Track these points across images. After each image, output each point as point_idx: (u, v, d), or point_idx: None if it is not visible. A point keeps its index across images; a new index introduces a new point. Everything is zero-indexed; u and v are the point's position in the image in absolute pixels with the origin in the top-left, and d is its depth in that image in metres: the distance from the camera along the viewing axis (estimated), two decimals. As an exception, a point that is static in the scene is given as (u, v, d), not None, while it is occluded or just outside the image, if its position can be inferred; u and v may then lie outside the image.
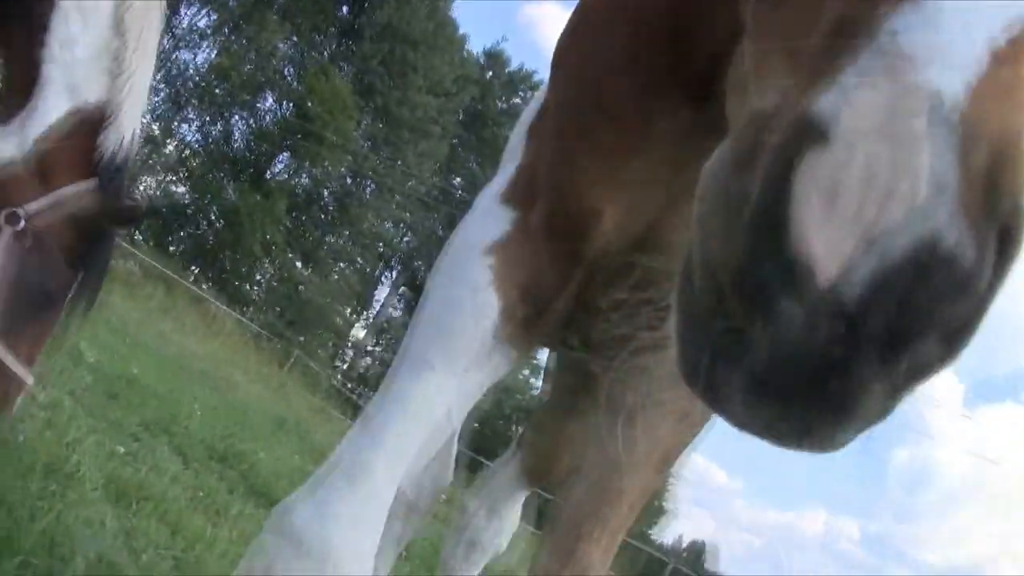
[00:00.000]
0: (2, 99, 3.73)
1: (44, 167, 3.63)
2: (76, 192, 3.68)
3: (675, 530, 68.78)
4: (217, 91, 56.83)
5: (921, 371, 0.98)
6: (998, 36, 1.01)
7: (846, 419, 0.98)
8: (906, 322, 0.92)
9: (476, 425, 37.11)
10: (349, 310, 66.36)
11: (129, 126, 3.74)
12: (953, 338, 0.96)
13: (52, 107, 3.57)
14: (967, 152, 0.94)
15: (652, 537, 54.34)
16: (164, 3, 3.93)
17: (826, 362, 0.92)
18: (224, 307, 44.42)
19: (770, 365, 0.96)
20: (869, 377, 0.94)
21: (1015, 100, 0.99)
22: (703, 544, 76.57)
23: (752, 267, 0.95)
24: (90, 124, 3.72)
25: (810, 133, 0.93)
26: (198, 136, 58.91)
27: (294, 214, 58.01)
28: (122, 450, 6.84)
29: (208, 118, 58.44)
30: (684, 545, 73.62)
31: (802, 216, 0.89)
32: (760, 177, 0.97)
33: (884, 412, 1.01)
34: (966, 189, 0.95)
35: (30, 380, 3.63)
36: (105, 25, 3.60)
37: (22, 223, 3.48)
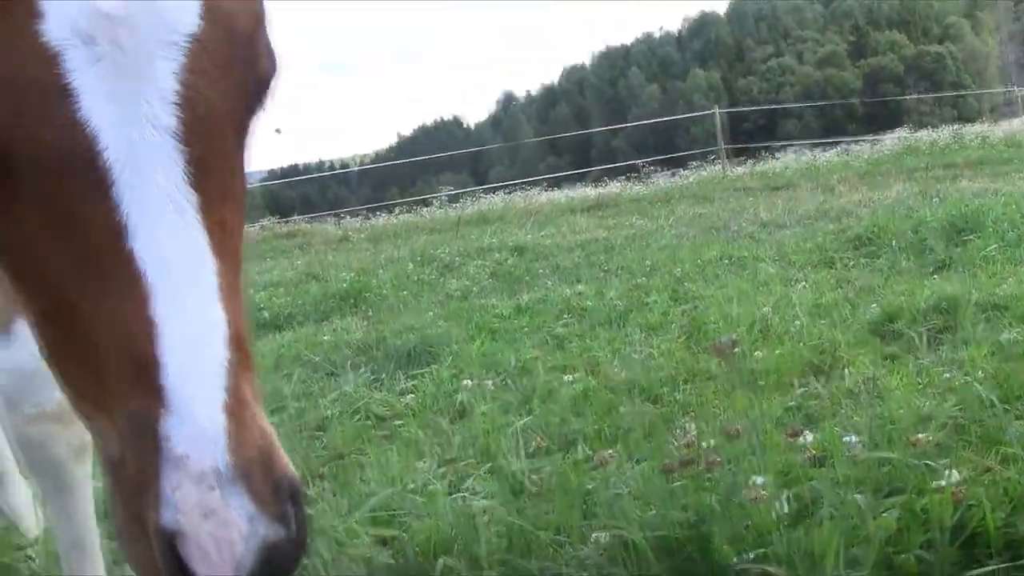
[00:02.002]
0: None
1: None
2: None
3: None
4: None
5: None
6: (222, 395, 1.35)
7: None
8: None
9: None
10: None
11: None
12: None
13: None
14: (245, 475, 1.31)
15: None
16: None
17: None
18: None
19: None
20: None
21: (249, 422, 1.37)
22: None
23: None
24: None
25: (173, 537, 1.29)
26: None
27: None
28: None
29: None
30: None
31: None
32: (158, 553, 1.31)
33: None
34: (255, 494, 1.32)
35: None
36: None
37: None
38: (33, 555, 4.00)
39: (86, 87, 1.40)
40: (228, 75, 1.52)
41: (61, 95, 1.39)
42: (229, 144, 1.54)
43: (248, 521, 1.30)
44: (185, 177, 1.43)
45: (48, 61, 1.39)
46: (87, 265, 1.40)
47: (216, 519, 1.29)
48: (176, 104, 1.44)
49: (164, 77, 1.44)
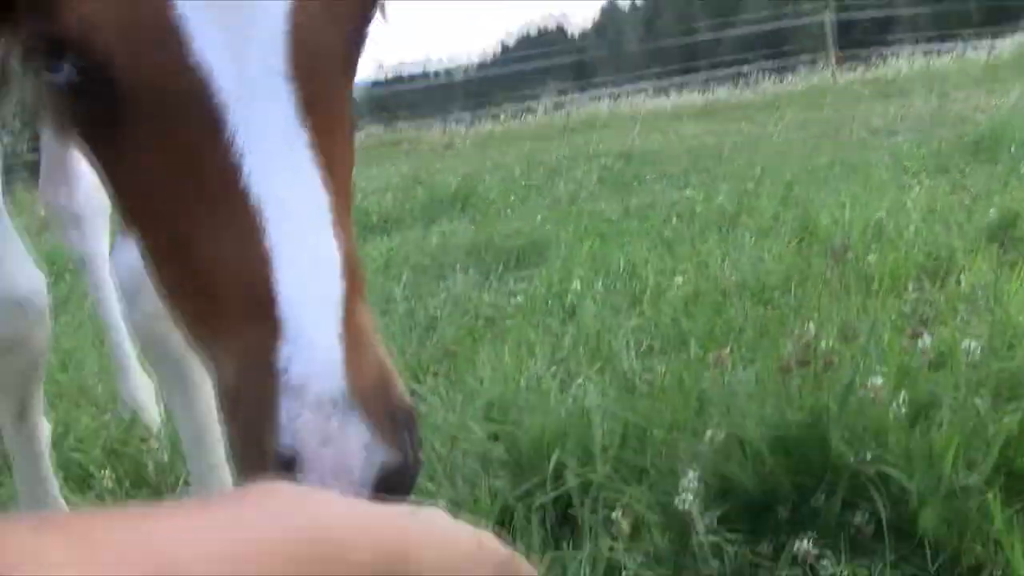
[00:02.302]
0: None
1: None
2: None
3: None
4: None
5: None
6: (338, 325, 1.35)
7: None
8: None
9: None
10: None
11: None
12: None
13: None
14: (362, 402, 1.31)
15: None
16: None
17: None
18: None
19: None
20: None
21: (365, 350, 1.37)
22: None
23: None
24: None
25: (292, 465, 1.29)
26: None
27: None
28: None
29: None
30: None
31: None
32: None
33: None
34: (373, 421, 1.31)
35: None
36: None
37: None
38: (156, 446, 4.10)
39: (198, 28, 1.41)
40: (335, 11, 1.54)
41: (175, 36, 1.41)
42: (338, 80, 1.56)
43: (365, 447, 1.31)
44: (297, 114, 1.44)
45: (161, 3, 1.41)
46: (201, 201, 1.42)
47: (334, 446, 1.30)
48: (287, 42, 1.45)
49: (274, 16, 1.46)
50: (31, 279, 3.05)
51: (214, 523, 0.91)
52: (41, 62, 1.49)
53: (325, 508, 1.03)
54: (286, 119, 1.44)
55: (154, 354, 3.04)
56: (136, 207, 1.55)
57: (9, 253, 2.99)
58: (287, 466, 1.29)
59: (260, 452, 1.36)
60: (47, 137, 4.70)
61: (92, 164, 1.67)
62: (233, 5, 1.43)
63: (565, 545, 2.83)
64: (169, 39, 1.41)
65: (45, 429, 3.37)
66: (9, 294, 2.96)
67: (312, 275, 1.39)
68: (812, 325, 4.02)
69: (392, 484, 1.32)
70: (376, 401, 1.35)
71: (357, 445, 1.30)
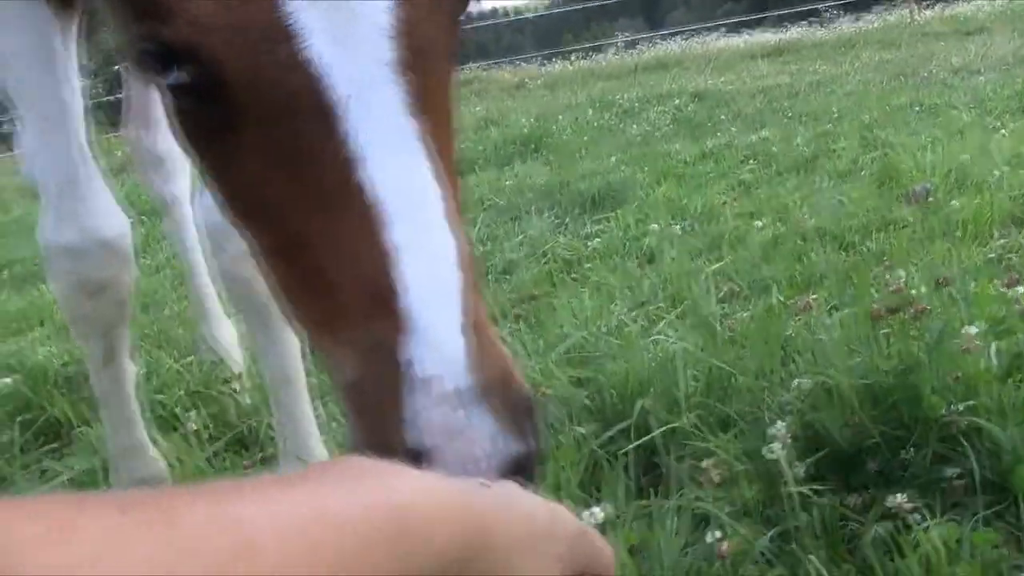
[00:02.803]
0: None
1: None
2: None
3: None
4: None
5: None
6: (461, 318, 1.35)
7: None
8: None
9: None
10: None
11: None
12: None
13: None
14: (487, 395, 1.32)
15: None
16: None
17: None
18: None
19: None
20: None
21: (488, 343, 1.38)
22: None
23: None
24: None
25: (418, 459, 1.28)
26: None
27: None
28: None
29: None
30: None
31: None
32: None
33: None
34: (498, 413, 1.32)
35: None
36: None
37: None
38: (238, 389, 4.13)
39: (308, 25, 1.43)
40: (437, 4, 1.55)
41: (285, 35, 1.42)
42: (443, 71, 1.57)
43: (492, 439, 1.32)
44: (407, 107, 1.45)
45: (271, 4, 1.43)
46: (317, 198, 1.44)
47: (462, 438, 1.31)
48: (394, 37, 1.47)
49: (380, 12, 1.47)
50: (117, 222, 3.07)
51: (294, 502, 0.92)
52: (153, 66, 1.50)
53: (404, 485, 1.04)
54: (398, 111, 1.45)
55: (239, 298, 3.06)
56: (250, 209, 1.56)
57: (96, 197, 3.01)
58: (414, 461, 1.28)
59: (385, 447, 1.35)
60: (131, 79, 4.72)
61: (202, 170, 1.69)
62: (339, 3, 1.45)
63: (651, 494, 2.81)
64: (280, 38, 1.42)
65: (132, 371, 3.40)
66: (96, 237, 2.99)
67: (434, 268, 1.39)
68: (902, 272, 3.96)
69: (520, 472, 1.32)
70: (499, 393, 1.35)
71: (485, 437, 1.31)
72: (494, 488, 1.19)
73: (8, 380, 4.53)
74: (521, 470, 1.33)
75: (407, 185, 1.42)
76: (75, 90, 3.04)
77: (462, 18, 1.64)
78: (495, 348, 1.41)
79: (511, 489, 1.23)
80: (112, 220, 3.05)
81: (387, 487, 1.02)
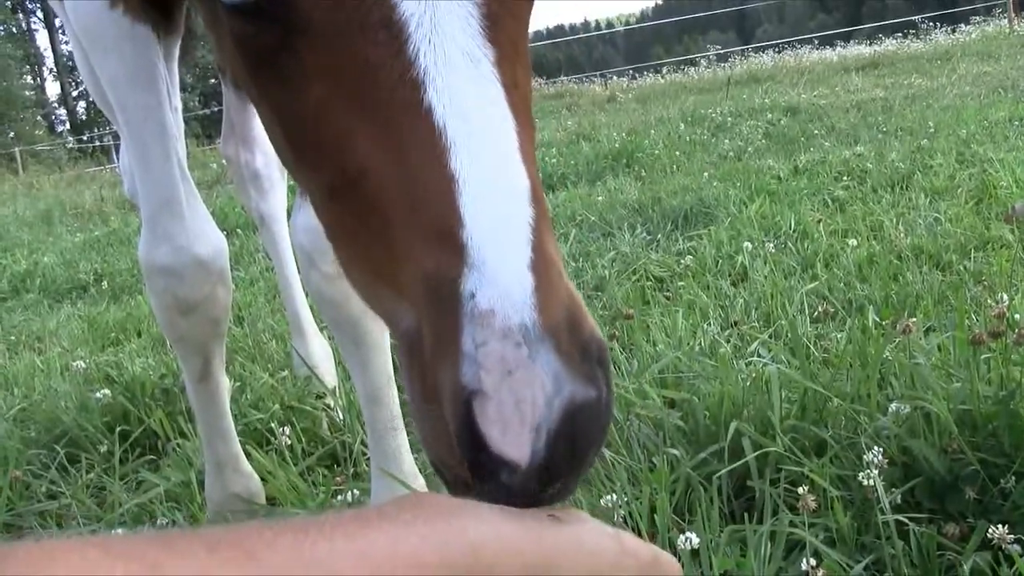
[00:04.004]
0: None
1: None
2: None
3: None
4: None
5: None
6: (528, 252, 1.29)
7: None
8: (575, 455, 1.27)
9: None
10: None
11: None
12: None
13: None
14: (553, 333, 1.26)
15: None
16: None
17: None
18: None
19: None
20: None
21: (556, 281, 1.31)
22: None
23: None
24: None
25: (471, 396, 1.24)
26: None
27: None
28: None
29: None
30: None
31: (493, 440, 1.22)
32: (452, 417, 1.27)
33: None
34: (563, 354, 1.25)
35: None
36: None
37: None
38: (331, 404, 4.16)
39: None
40: None
41: None
42: (520, 1, 1.52)
43: (554, 379, 1.24)
44: (481, 31, 1.41)
45: None
46: (381, 123, 1.39)
47: (520, 376, 1.24)
48: None
49: None
50: (213, 240, 3.11)
51: (371, 542, 0.96)
52: None
53: (476, 524, 1.06)
54: (470, 36, 1.41)
55: (332, 314, 3.07)
56: (309, 141, 1.52)
57: (192, 214, 3.06)
58: (466, 402, 1.24)
59: (438, 399, 1.31)
60: (229, 94, 4.78)
61: (259, 106, 1.66)
62: None
63: (744, 519, 2.78)
64: None
65: (227, 386, 3.44)
66: (191, 256, 3.03)
67: (501, 199, 1.34)
68: (1004, 294, 3.89)
69: (584, 421, 1.25)
70: (567, 333, 1.29)
71: (546, 376, 1.24)
72: (563, 523, 1.18)
73: (107, 391, 4.60)
74: (588, 418, 1.26)
75: (475, 111, 1.37)
76: (176, 111, 3.09)
77: None
78: (565, 288, 1.35)
79: (580, 523, 1.21)
80: (208, 239, 3.09)
81: (460, 527, 1.05)
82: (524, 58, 1.52)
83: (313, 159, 1.53)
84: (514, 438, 1.23)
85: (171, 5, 2.97)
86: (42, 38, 73.76)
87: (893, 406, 3.01)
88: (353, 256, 1.54)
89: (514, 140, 1.39)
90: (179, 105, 3.17)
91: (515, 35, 1.48)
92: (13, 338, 7.46)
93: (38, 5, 67.23)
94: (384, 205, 1.40)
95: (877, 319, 4.17)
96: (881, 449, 2.77)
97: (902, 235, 5.84)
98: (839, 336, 4.02)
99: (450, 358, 1.28)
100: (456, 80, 1.38)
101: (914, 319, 3.69)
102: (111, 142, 42.31)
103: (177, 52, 3.18)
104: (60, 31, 63.19)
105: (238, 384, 4.58)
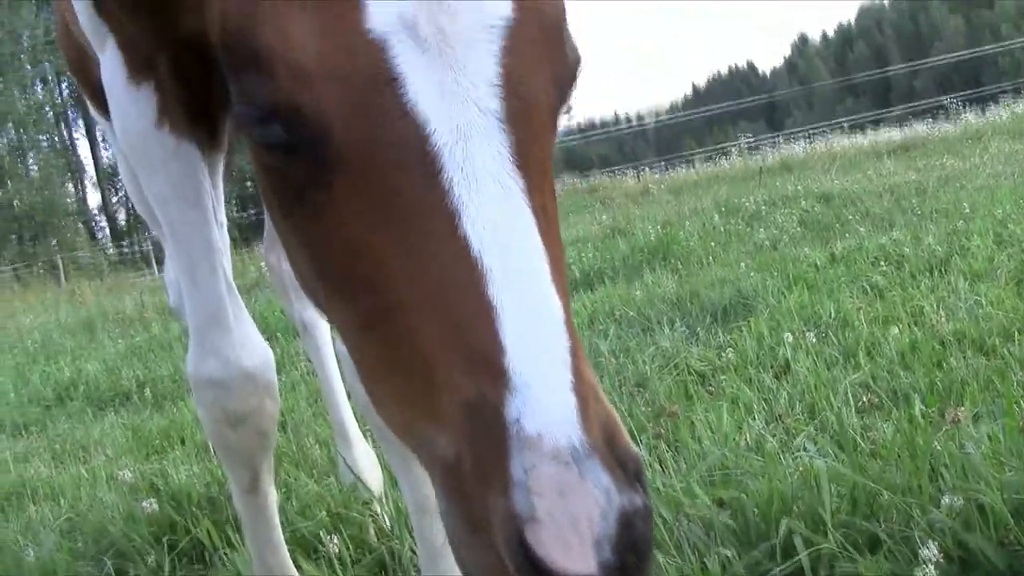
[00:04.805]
0: None
1: None
2: None
3: None
4: None
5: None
6: (568, 375, 1.34)
7: None
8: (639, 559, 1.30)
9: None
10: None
11: None
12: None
13: None
14: (598, 451, 1.30)
15: None
16: None
17: None
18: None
19: None
20: None
21: (594, 401, 1.36)
22: None
23: None
24: None
25: (523, 524, 1.26)
26: None
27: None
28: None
29: None
30: None
31: (556, 563, 1.24)
32: (506, 545, 1.29)
33: None
34: (609, 469, 1.29)
35: None
36: None
37: None
38: (379, 511, 4.15)
39: (412, 74, 1.43)
40: (543, 61, 1.54)
41: (388, 83, 1.42)
42: (546, 129, 1.56)
43: (605, 494, 1.28)
44: (511, 160, 1.44)
45: (374, 51, 1.44)
46: (417, 254, 1.41)
47: (574, 495, 1.27)
48: (499, 87, 1.46)
49: (486, 61, 1.47)
50: (260, 352, 3.13)
51: None
52: (252, 123, 1.51)
53: None
54: (502, 164, 1.45)
55: (376, 424, 3.07)
56: (340, 273, 1.54)
57: (239, 327, 3.08)
58: (518, 530, 1.26)
59: (485, 527, 1.33)
60: (270, 201, 4.84)
61: (286, 237, 1.69)
62: (447, 50, 1.45)
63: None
64: (384, 85, 1.42)
65: (275, 497, 3.44)
66: (239, 368, 3.05)
67: (540, 326, 1.37)
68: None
69: (635, 530, 1.28)
70: (608, 450, 1.33)
71: (598, 492, 1.28)
72: None
73: (153, 501, 4.60)
74: (639, 527, 1.29)
75: (509, 240, 1.40)
76: (221, 225, 3.12)
77: (569, 74, 1.63)
78: (602, 405, 1.39)
79: None
80: (255, 351, 3.11)
81: None
82: (551, 184, 1.57)
83: (346, 292, 1.55)
84: (579, 557, 1.25)
85: (215, 122, 3.01)
86: (83, 148, 75.42)
87: (946, 499, 2.98)
88: (386, 388, 1.56)
89: (547, 266, 1.42)
90: (224, 220, 3.21)
91: (542, 163, 1.52)
92: (58, 447, 7.50)
93: (80, 117, 68.60)
94: (421, 334, 1.42)
95: (923, 408, 4.14)
96: (936, 543, 2.74)
97: (943, 320, 5.80)
98: (886, 427, 3.98)
99: (498, 485, 1.30)
100: (489, 209, 1.41)
101: (961, 408, 3.66)
102: (151, 248, 42.88)
103: (221, 167, 3.23)
104: (101, 141, 64.44)
105: (284, 491, 4.58)
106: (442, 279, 1.40)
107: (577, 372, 1.36)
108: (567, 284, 1.52)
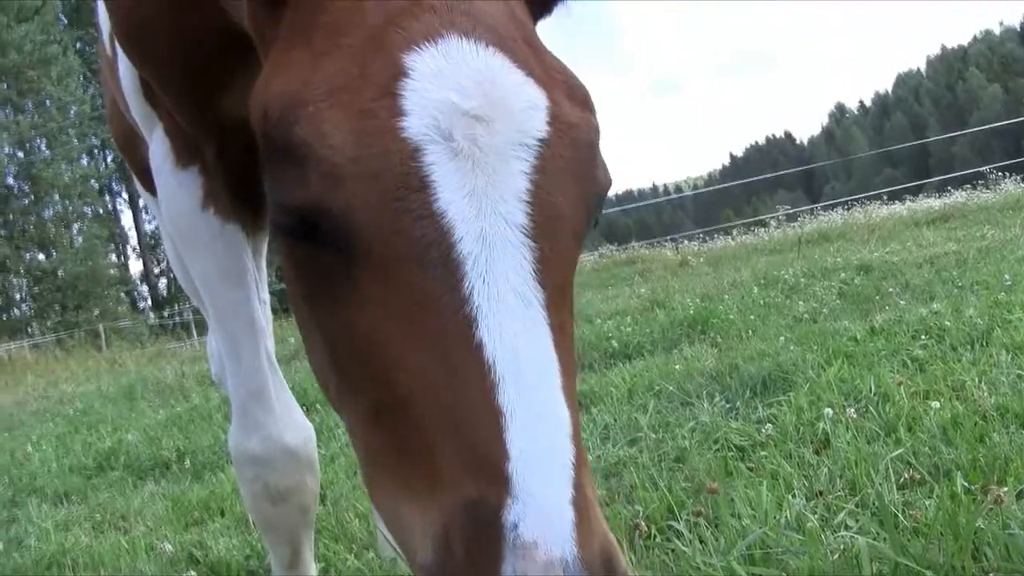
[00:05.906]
0: None
1: None
2: None
3: None
4: None
5: None
6: (570, 489, 1.36)
7: None
8: None
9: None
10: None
11: None
12: None
13: None
14: (589, 569, 1.31)
15: None
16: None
17: None
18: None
19: None
20: None
21: (594, 520, 1.39)
22: None
23: None
24: None
25: None
26: None
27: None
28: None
29: None
30: None
31: None
32: None
33: None
34: None
35: None
36: None
37: None
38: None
39: (444, 180, 1.47)
40: (572, 180, 1.59)
41: (421, 187, 1.46)
42: (570, 248, 1.60)
43: None
44: (533, 274, 1.49)
45: (410, 155, 1.48)
46: (433, 353, 1.45)
47: None
48: (528, 202, 1.51)
49: (517, 176, 1.52)
50: (302, 429, 3.17)
51: None
52: (282, 215, 1.55)
53: None
54: (524, 276, 1.48)
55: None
56: (354, 363, 1.57)
57: (281, 404, 3.11)
58: None
59: None
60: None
61: (303, 324, 1.73)
62: (480, 161, 1.49)
63: None
64: (414, 187, 1.46)
65: (315, 572, 3.45)
66: (282, 444, 3.08)
67: (545, 436, 1.40)
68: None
69: None
70: (601, 571, 1.34)
71: None
72: None
73: (193, 574, 4.62)
74: None
75: (524, 350, 1.43)
76: (264, 303, 3.17)
77: (599, 192, 1.66)
78: (600, 524, 1.41)
79: None
80: (297, 428, 3.15)
81: None
82: (570, 301, 1.61)
83: (358, 381, 1.58)
84: None
85: (259, 204, 3.07)
86: (126, 218, 76.31)
87: (990, 578, 2.96)
88: (386, 480, 1.58)
89: (559, 381, 1.46)
90: (267, 298, 3.25)
91: (563, 278, 1.57)
92: (98, 516, 7.53)
93: (124, 187, 69.44)
94: (429, 431, 1.45)
95: (965, 484, 4.11)
96: (981, 625, 2.72)
97: (985, 394, 5.76)
98: (927, 503, 3.96)
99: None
100: (507, 319, 1.45)
101: (1004, 488, 3.63)
102: (191, 317, 43.17)
103: (265, 248, 3.28)
104: (144, 211, 65.10)
105: (323, 565, 4.59)
106: (455, 379, 1.43)
107: (579, 487, 1.38)
108: (577, 398, 1.56)
